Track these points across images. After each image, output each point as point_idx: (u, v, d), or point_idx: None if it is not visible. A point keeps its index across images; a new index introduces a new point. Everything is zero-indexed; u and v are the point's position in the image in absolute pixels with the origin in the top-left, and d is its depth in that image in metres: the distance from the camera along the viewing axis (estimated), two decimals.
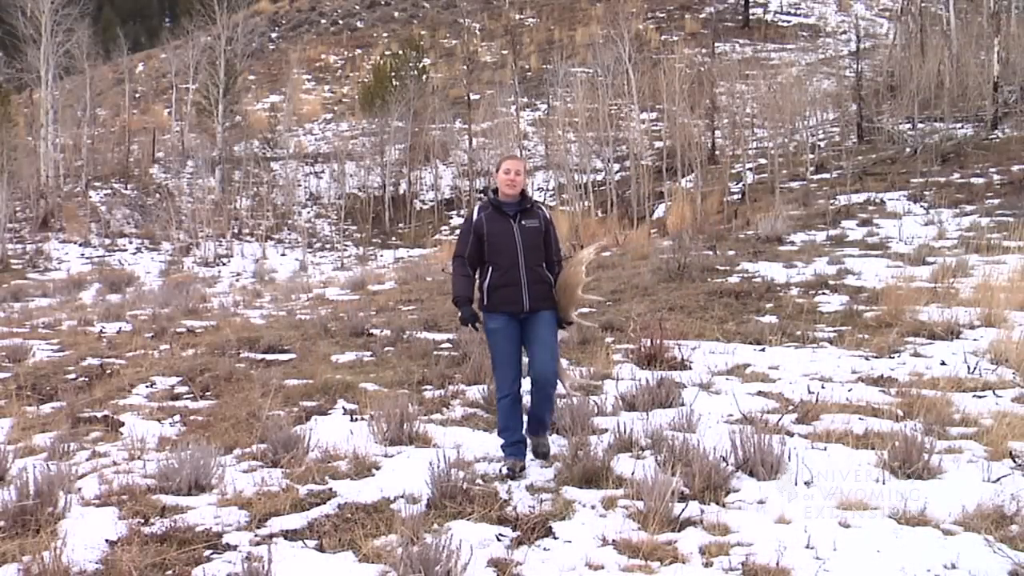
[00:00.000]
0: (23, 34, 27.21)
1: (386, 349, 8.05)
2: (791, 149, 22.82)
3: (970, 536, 3.67)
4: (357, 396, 6.29)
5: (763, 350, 7.20)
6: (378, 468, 4.76)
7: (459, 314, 4.82)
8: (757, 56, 33.01)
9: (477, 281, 4.80)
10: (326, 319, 9.64)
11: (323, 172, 31.76)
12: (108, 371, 7.63)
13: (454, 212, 28.81)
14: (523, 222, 4.69)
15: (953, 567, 3.43)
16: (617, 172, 25.85)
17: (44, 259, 23.01)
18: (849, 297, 9.03)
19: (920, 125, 20.72)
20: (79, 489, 4.44)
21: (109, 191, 28.86)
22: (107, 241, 25.02)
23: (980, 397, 5.68)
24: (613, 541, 3.75)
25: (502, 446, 4.74)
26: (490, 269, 4.69)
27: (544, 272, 4.75)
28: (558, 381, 4.83)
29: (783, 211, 15.40)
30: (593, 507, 4.12)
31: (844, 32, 37.28)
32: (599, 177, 26.40)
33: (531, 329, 4.71)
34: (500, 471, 4.60)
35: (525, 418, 4.83)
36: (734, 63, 28.84)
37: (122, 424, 5.86)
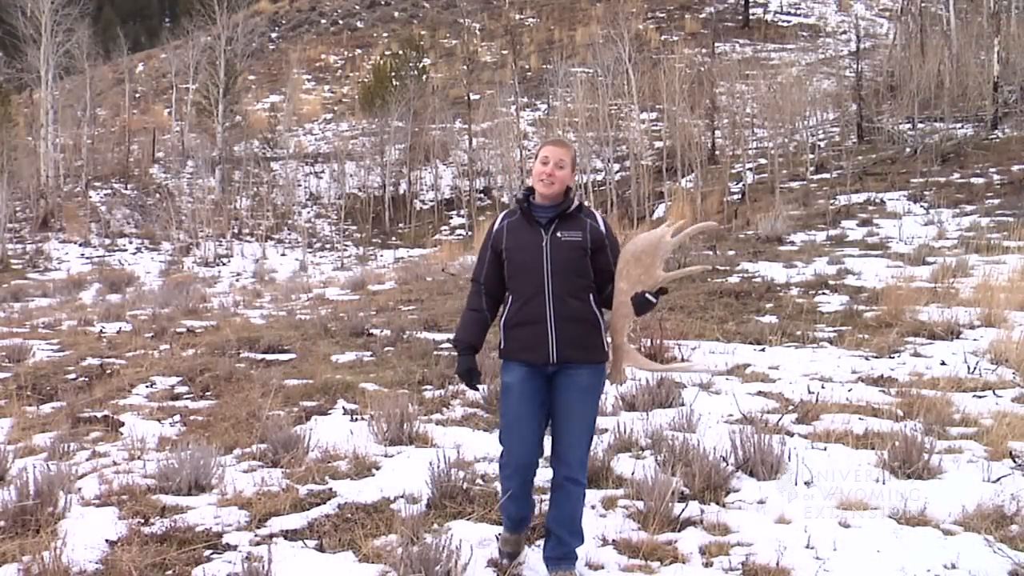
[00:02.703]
0: (23, 34, 27.19)
1: (386, 349, 8.05)
2: (791, 149, 22.83)
3: (970, 536, 3.68)
4: (357, 396, 6.29)
5: (763, 350, 7.20)
6: (378, 468, 4.75)
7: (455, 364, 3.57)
8: (757, 56, 33.01)
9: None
10: (326, 319, 9.64)
11: (323, 172, 31.75)
12: (108, 371, 7.62)
13: (454, 212, 28.78)
14: (558, 233, 3.27)
15: (953, 567, 3.43)
16: (617, 172, 25.85)
17: (44, 259, 22.99)
18: (849, 297, 9.04)
19: (920, 125, 20.72)
20: (79, 489, 4.43)
21: (109, 191, 28.85)
22: (107, 241, 25.01)
23: (980, 397, 5.69)
24: (613, 541, 3.76)
25: (502, 511, 3.54)
26: (510, 299, 3.36)
27: (586, 308, 3.29)
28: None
29: (783, 211, 15.41)
30: (593, 507, 4.12)
31: (844, 32, 37.27)
32: (599, 177, 26.39)
33: (559, 393, 3.32)
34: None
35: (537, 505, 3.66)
36: (734, 63, 28.85)
37: (122, 424, 5.86)
